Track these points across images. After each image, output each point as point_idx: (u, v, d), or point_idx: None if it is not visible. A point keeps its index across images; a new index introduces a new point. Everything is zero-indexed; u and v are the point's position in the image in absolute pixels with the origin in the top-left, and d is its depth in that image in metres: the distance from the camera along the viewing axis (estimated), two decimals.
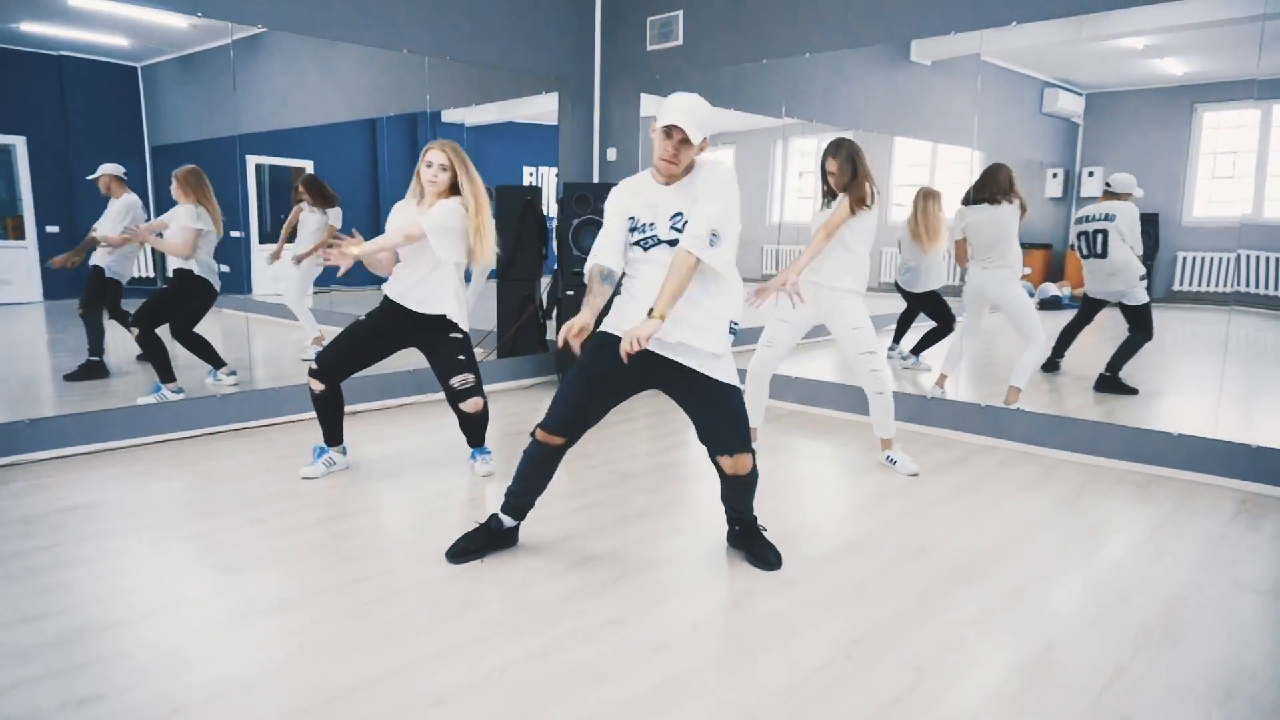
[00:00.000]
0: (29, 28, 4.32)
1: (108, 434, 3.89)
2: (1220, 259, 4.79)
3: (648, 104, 5.79)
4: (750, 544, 2.78)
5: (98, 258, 4.53)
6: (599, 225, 5.61)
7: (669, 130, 2.45)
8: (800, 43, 4.98)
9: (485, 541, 2.75)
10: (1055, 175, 5.27)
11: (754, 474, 2.68)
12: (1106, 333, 4.83)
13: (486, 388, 5.53)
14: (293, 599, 2.41)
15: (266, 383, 4.58)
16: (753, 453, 2.65)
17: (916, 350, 5.51)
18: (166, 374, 4.33)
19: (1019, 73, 4.99)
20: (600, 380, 2.59)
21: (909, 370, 5.50)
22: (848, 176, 3.53)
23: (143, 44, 4.63)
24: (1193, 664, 2.12)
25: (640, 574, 2.64)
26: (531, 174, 6.29)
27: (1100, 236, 4.63)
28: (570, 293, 5.42)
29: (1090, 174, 5.12)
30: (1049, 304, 5.34)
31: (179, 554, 2.78)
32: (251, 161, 5.24)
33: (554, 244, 5.63)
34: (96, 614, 2.29)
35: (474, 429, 3.65)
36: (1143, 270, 4.57)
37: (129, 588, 2.47)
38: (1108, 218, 4.59)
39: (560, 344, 2.49)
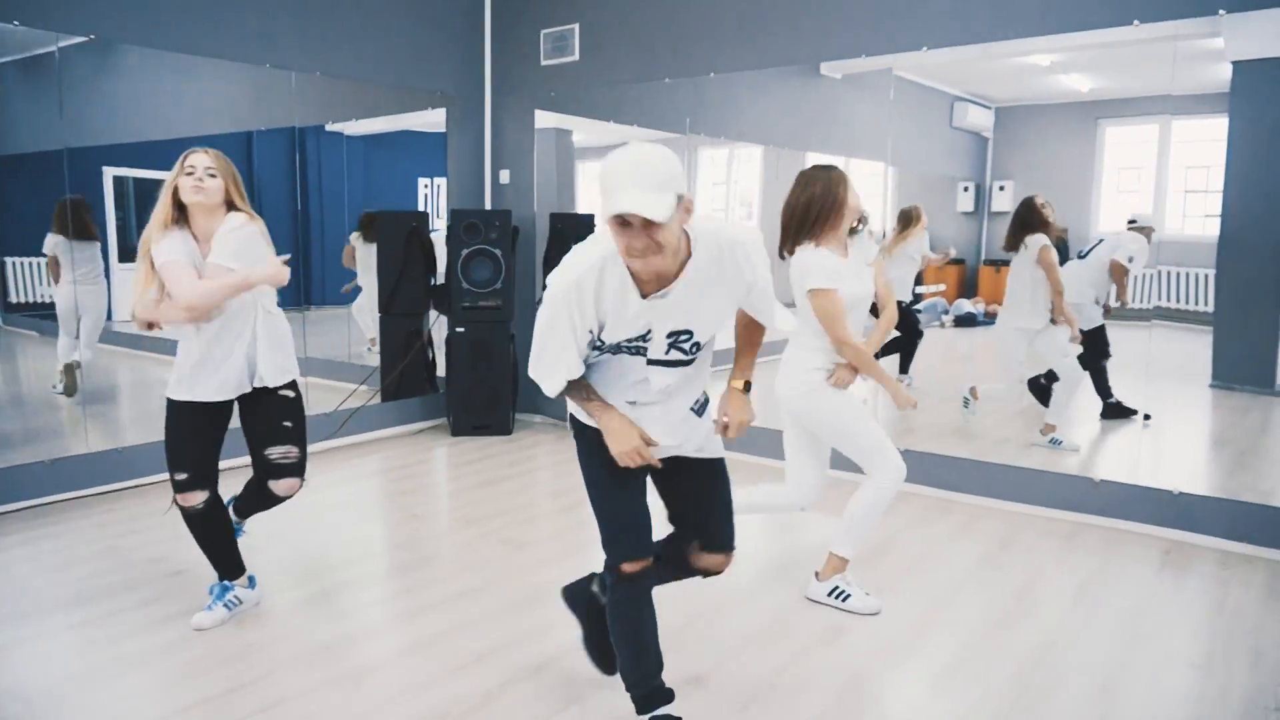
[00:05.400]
0: None
1: None
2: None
3: (543, 120, 5.40)
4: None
5: None
6: (490, 255, 5.12)
7: (623, 220, 1.65)
8: (704, 63, 4.75)
9: None
10: (966, 189, 5.20)
11: None
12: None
13: (372, 434, 4.91)
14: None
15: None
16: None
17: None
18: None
19: (929, 87, 4.88)
20: (637, 480, 2.01)
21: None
22: None
23: None
24: None
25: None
26: (427, 186, 5.85)
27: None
28: (460, 329, 5.01)
29: (1001, 188, 5.05)
30: (964, 320, 5.24)
31: None
32: (109, 173, 4.69)
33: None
34: None
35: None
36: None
37: None
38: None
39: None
